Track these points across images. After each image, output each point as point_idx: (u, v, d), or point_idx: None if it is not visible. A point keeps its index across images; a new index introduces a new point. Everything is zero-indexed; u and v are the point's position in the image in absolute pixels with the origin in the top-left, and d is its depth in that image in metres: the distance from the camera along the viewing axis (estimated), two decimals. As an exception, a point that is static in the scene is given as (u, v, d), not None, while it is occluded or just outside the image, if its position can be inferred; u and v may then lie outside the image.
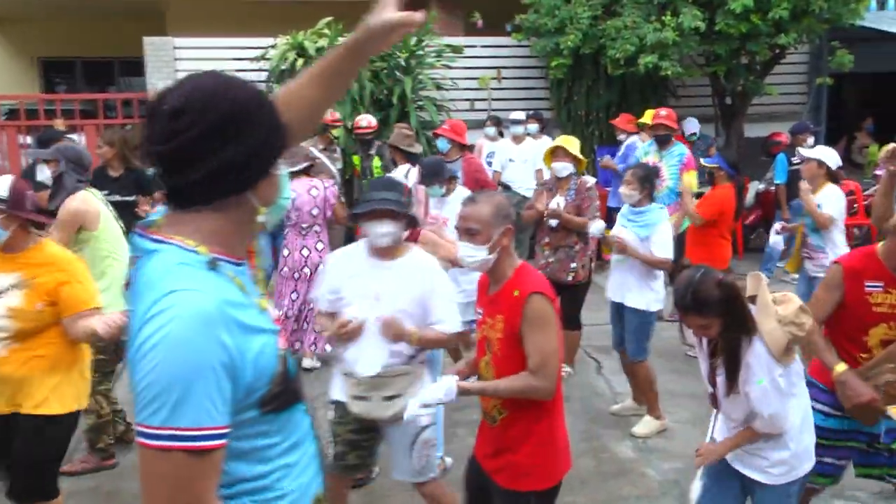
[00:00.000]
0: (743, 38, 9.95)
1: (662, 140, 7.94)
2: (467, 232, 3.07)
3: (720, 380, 3.23)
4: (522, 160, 9.18)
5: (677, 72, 9.90)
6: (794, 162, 9.41)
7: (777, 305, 3.21)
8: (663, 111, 8.03)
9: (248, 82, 1.60)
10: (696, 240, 6.76)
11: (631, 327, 5.55)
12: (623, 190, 5.58)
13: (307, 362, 6.65)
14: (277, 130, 1.59)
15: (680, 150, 7.87)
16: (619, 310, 5.66)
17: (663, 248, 5.45)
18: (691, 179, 7.65)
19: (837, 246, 6.07)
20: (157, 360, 1.40)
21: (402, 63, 10.62)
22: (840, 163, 6.29)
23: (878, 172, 9.91)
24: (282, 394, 1.59)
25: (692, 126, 10.86)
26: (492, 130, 9.84)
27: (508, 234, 3.07)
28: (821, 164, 6.09)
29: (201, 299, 1.46)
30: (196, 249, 1.54)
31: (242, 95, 1.55)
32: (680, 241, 7.12)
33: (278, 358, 1.59)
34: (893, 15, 12.60)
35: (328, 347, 6.31)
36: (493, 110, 11.27)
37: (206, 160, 1.50)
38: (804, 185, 6.11)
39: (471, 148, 8.49)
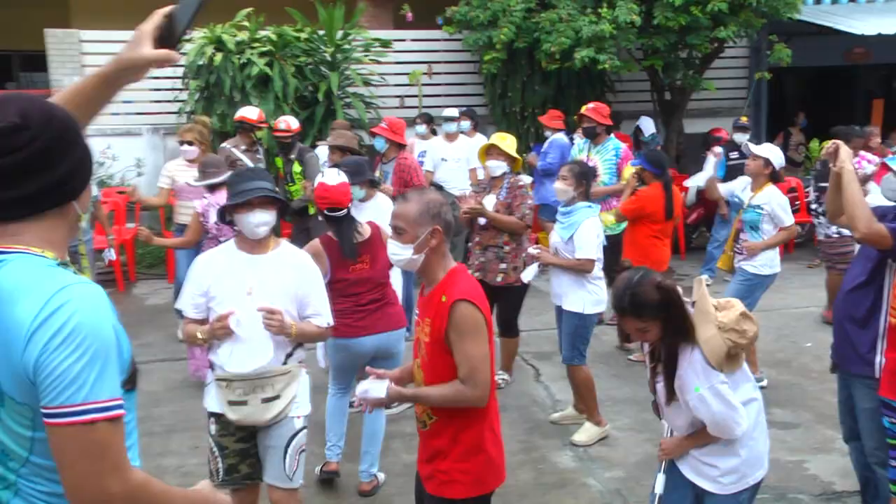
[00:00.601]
0: (681, 31, 10.20)
1: (591, 133, 8.05)
2: (395, 230, 3.14)
3: (660, 387, 3.32)
4: (455, 159, 9.22)
5: (615, 66, 10.09)
6: (733, 157, 9.68)
7: (718, 311, 3.29)
8: (592, 104, 8.16)
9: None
10: (629, 240, 6.89)
11: (566, 330, 5.62)
12: (558, 185, 5.65)
13: None
14: (88, 145, 1.85)
15: (615, 144, 7.99)
16: (560, 313, 5.75)
17: (584, 249, 5.51)
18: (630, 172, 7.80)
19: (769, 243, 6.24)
20: (76, 343, 1.64)
21: (328, 58, 10.59)
22: (784, 162, 6.46)
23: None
24: (134, 373, 1.86)
25: (648, 126, 11.08)
26: (423, 128, 9.87)
27: (437, 235, 3.09)
28: (767, 162, 6.21)
29: (93, 289, 1.72)
30: (44, 254, 1.74)
31: (64, 114, 1.77)
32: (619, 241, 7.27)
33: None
34: (830, 9, 13.05)
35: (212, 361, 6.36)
36: (424, 107, 11.32)
37: (44, 173, 1.71)
38: (721, 188, 6.23)
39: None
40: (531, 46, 10.75)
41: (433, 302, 3.10)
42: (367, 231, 4.96)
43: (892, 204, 4.08)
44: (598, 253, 5.55)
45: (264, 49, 10.08)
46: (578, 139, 8.88)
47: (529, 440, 5.72)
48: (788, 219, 6.18)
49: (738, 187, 6.60)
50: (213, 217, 6.17)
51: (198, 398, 6.31)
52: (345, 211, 4.85)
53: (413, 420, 3.37)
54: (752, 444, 3.35)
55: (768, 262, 6.25)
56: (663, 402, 3.33)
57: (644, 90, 12.09)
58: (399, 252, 3.12)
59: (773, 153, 6.28)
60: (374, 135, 7.72)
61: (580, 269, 5.52)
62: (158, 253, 10.26)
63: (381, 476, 5.04)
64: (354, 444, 5.19)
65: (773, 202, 6.16)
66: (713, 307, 3.30)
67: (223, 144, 8.33)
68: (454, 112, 9.71)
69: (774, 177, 6.23)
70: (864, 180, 6.84)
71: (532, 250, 5.73)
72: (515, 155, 6.21)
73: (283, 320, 3.70)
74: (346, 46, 10.73)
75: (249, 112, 8.35)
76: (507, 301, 6.27)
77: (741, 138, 9.58)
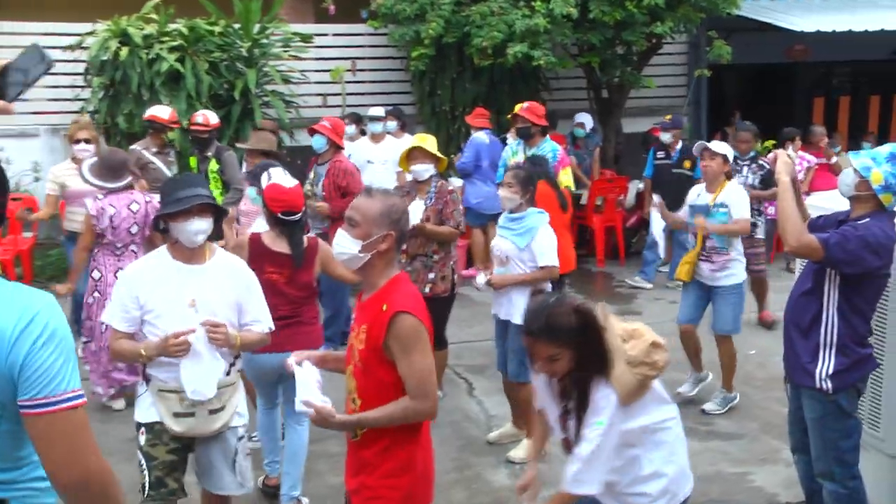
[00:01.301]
0: (618, 26, 10.38)
1: (525, 134, 8.06)
2: (349, 220, 3.17)
3: (572, 423, 3.23)
4: (382, 161, 9.22)
5: (550, 62, 10.20)
6: (660, 157, 9.88)
7: (626, 342, 3.24)
8: (526, 104, 8.19)
9: None
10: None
11: (514, 346, 5.59)
12: (503, 193, 5.64)
13: (119, 403, 6.49)
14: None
15: (551, 146, 7.97)
16: (505, 327, 5.74)
17: (547, 255, 5.53)
18: (567, 177, 7.87)
19: (736, 245, 6.31)
20: (56, 343, 2.08)
21: (245, 53, 10.48)
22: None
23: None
24: None
25: (588, 121, 11.21)
26: (352, 129, 9.85)
27: (389, 241, 3.14)
28: (726, 159, 6.31)
29: (51, 297, 2.14)
30: None
31: None
32: None
33: None
34: (769, 5, 13.44)
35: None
36: (348, 106, 11.27)
37: None
38: (700, 220, 6.25)
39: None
40: (461, 42, 10.80)
41: (372, 309, 3.12)
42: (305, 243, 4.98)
43: (844, 209, 4.19)
44: (556, 259, 5.59)
45: (175, 44, 9.93)
46: (511, 140, 8.95)
47: (462, 458, 5.73)
48: (746, 212, 6.26)
49: (691, 199, 6.52)
50: (105, 221, 6.10)
51: (101, 422, 6.21)
52: (299, 215, 4.88)
53: (339, 439, 3.34)
54: (676, 459, 3.40)
55: (740, 268, 6.36)
56: (576, 439, 3.24)
57: (580, 88, 12.26)
58: (346, 246, 3.13)
59: (728, 149, 6.43)
60: (313, 133, 7.64)
61: (544, 278, 5.56)
62: (61, 264, 10.00)
63: (305, 501, 4.99)
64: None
65: (734, 195, 6.25)
66: (621, 338, 3.26)
67: (132, 146, 8.18)
68: (380, 111, 9.72)
69: (728, 175, 6.38)
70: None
71: (481, 280, 5.70)
72: (440, 155, 6.23)
73: (228, 333, 3.85)
74: (264, 41, 10.63)
75: (160, 111, 8.22)
76: (434, 312, 6.23)
77: (668, 138, 9.78)
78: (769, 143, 11.71)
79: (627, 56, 11.23)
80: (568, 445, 3.32)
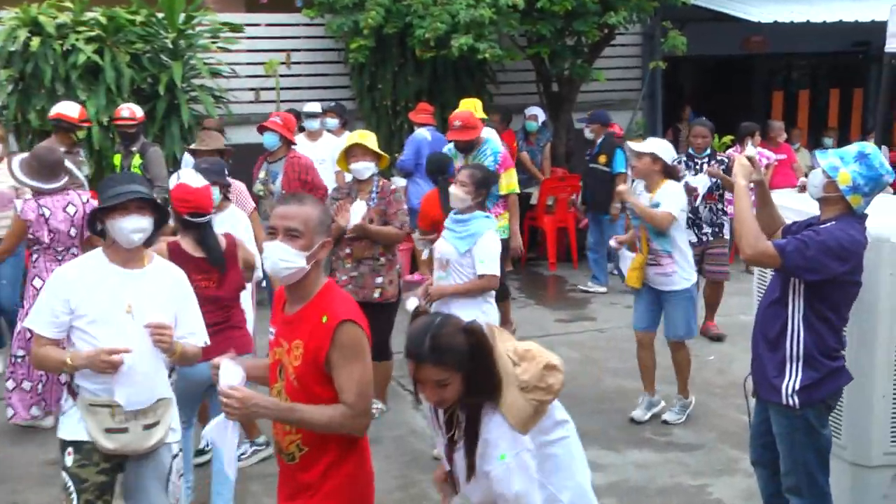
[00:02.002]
0: (568, 16, 10.46)
1: (465, 148, 7.88)
2: (288, 233, 3.08)
3: (459, 457, 3.12)
4: (320, 160, 9.15)
5: (496, 54, 10.24)
6: (587, 153, 10.01)
7: (517, 366, 3.14)
8: (457, 121, 7.87)
9: None
10: None
11: None
12: (455, 191, 5.63)
13: (48, 421, 6.33)
14: None
15: (493, 148, 7.86)
16: None
17: (487, 263, 5.52)
18: (510, 179, 7.83)
19: (682, 249, 6.36)
20: None
21: (169, 45, 10.35)
22: (676, 156, 6.65)
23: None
24: None
25: (538, 115, 11.26)
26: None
27: (326, 248, 3.16)
28: (655, 158, 6.30)
29: None
30: None
31: None
32: None
33: None
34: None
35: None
36: (283, 102, 11.19)
37: None
38: (622, 186, 6.37)
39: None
40: (403, 33, 10.81)
41: (305, 321, 3.09)
42: (222, 243, 4.97)
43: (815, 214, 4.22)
44: (497, 268, 5.59)
45: (92, 34, 9.76)
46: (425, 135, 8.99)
47: (408, 475, 5.72)
48: (671, 207, 6.18)
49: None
50: (40, 224, 6.01)
51: (14, 445, 6.08)
52: (208, 217, 4.89)
53: (273, 460, 3.30)
54: (573, 485, 3.41)
55: (690, 270, 6.40)
56: (462, 476, 3.12)
57: (529, 81, 12.33)
58: (291, 260, 3.07)
59: (658, 147, 6.37)
60: (263, 130, 7.61)
61: (483, 288, 5.56)
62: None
63: (238, 525, 4.95)
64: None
65: (668, 193, 6.22)
66: (511, 361, 3.15)
67: (39, 145, 8.01)
68: (316, 107, 9.69)
69: (669, 173, 6.37)
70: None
71: (410, 306, 5.68)
72: (381, 152, 6.23)
73: (172, 338, 3.83)
74: (191, 32, 10.51)
75: (68, 109, 8.06)
76: (379, 320, 6.24)
77: (591, 134, 9.89)
78: (727, 138, 11.91)
79: (578, 48, 11.32)
80: (453, 482, 3.21)
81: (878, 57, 9.84)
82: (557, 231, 10.99)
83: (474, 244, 5.53)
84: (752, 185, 4.26)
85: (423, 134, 9.52)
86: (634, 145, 6.52)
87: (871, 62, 13.92)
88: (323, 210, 3.20)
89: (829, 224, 4.04)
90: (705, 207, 8.10)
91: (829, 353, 4.10)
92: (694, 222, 7.94)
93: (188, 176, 4.92)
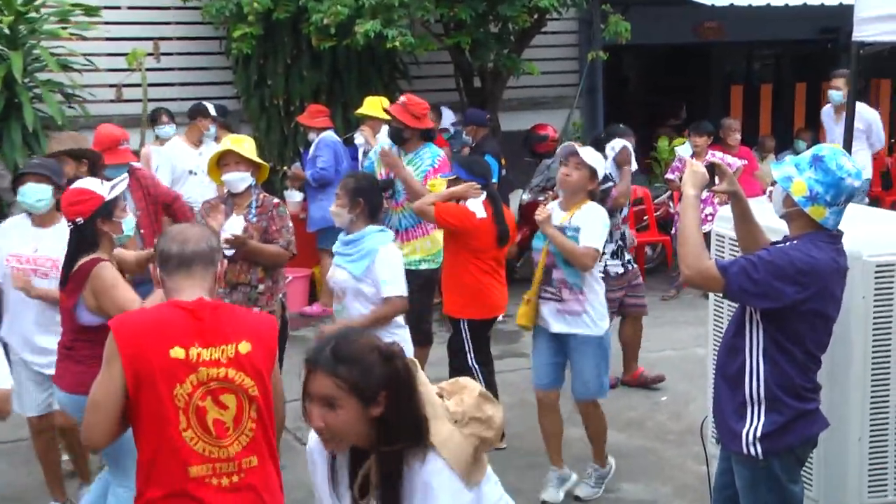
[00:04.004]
0: (492, 0, 10.58)
1: (398, 137, 7.95)
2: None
3: None
4: (202, 170, 9.13)
5: (407, 43, 10.27)
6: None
7: (446, 399, 3.06)
8: (403, 97, 8.07)
9: None
10: (450, 279, 6.73)
11: None
12: (332, 209, 5.72)
13: None
14: None
15: (433, 153, 7.78)
16: None
17: (391, 284, 5.53)
18: (439, 186, 7.84)
19: (594, 286, 6.11)
20: None
21: (6, 31, 10.17)
22: (605, 172, 6.51)
23: (669, 176, 10.92)
24: None
25: (447, 117, 11.31)
26: (170, 129, 9.77)
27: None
28: (593, 174, 6.08)
29: None
30: None
31: None
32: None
33: None
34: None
35: None
36: (151, 100, 11.06)
37: None
38: (542, 212, 6.00)
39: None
40: (296, 18, 10.83)
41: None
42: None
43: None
44: (401, 288, 5.62)
45: None
46: (362, 141, 8.95)
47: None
48: (597, 241, 5.95)
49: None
50: None
51: None
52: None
53: None
54: None
55: (602, 311, 6.14)
56: None
57: (448, 75, 12.41)
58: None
59: (598, 161, 6.15)
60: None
61: (387, 316, 5.59)
62: None
63: None
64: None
65: (590, 218, 5.99)
66: (437, 394, 3.06)
67: None
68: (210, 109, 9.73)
69: (593, 192, 6.14)
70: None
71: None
72: (259, 160, 6.23)
73: None
74: (33, 15, 10.37)
75: None
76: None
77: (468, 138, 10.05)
78: (679, 141, 12.16)
79: (504, 36, 11.44)
80: None
81: (848, 46, 10.16)
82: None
83: (372, 263, 5.56)
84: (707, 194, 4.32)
85: (333, 136, 9.52)
86: (584, 151, 6.14)
87: (842, 52, 14.32)
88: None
89: (786, 244, 4.09)
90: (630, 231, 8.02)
91: (795, 392, 4.09)
92: (620, 250, 7.82)
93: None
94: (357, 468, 2.98)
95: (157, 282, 3.71)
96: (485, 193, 6.54)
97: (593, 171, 6.03)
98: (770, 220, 4.44)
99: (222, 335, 3.51)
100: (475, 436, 2.97)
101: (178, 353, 3.42)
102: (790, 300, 3.97)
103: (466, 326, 6.60)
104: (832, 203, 4.04)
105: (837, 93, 10.67)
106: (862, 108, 10.08)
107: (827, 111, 11.30)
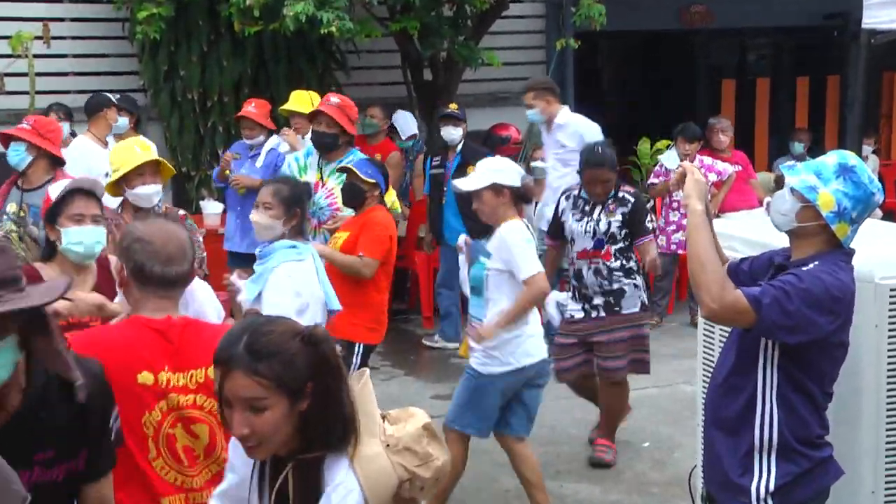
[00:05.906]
0: (444, -22, 10.65)
1: (324, 143, 8.02)
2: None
3: None
4: (106, 174, 9.09)
5: (346, 29, 10.25)
6: (434, 164, 10.16)
7: (389, 424, 3.11)
8: (334, 97, 8.14)
9: None
10: (343, 291, 6.59)
11: None
12: (255, 217, 5.73)
13: None
14: None
15: (358, 156, 7.86)
16: None
17: (271, 305, 5.50)
18: (392, 200, 7.91)
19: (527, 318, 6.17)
20: None
21: None
22: (526, 177, 6.42)
23: (653, 181, 10.96)
24: None
25: (408, 125, 11.31)
26: (66, 128, 9.69)
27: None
28: (498, 189, 6.09)
29: None
30: None
31: None
32: None
33: None
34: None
35: None
36: (39, 93, 10.98)
37: None
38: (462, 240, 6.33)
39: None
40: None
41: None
42: None
43: (781, 247, 4.21)
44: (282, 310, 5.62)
45: None
46: (286, 149, 8.93)
47: None
48: (528, 266, 6.04)
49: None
50: None
51: None
52: None
53: None
54: None
55: (502, 350, 6.14)
56: None
57: (393, 66, 12.42)
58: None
59: (495, 172, 6.19)
60: (6, 142, 7.31)
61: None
62: None
63: None
64: None
65: (505, 242, 6.07)
66: (380, 415, 3.10)
67: None
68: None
69: (523, 197, 6.25)
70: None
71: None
72: (169, 165, 6.22)
73: None
74: None
75: None
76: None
77: (452, 135, 10.06)
78: (662, 143, 12.22)
79: (459, 21, 11.48)
80: None
81: (857, 34, 10.27)
82: (434, 273, 11.00)
83: (264, 285, 5.60)
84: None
85: (276, 139, 9.54)
86: (460, 183, 6.36)
87: (850, 41, 14.44)
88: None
89: (811, 266, 3.95)
90: (589, 269, 7.43)
91: (811, 440, 4.07)
92: (578, 291, 7.51)
93: None
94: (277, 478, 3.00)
95: (121, 283, 3.79)
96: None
97: (495, 188, 6.10)
98: (763, 236, 4.45)
99: (192, 359, 3.64)
100: (403, 468, 3.00)
101: (146, 378, 3.57)
102: (823, 333, 3.91)
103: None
104: (856, 220, 3.99)
105: (533, 112, 9.61)
106: (577, 119, 9.50)
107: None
